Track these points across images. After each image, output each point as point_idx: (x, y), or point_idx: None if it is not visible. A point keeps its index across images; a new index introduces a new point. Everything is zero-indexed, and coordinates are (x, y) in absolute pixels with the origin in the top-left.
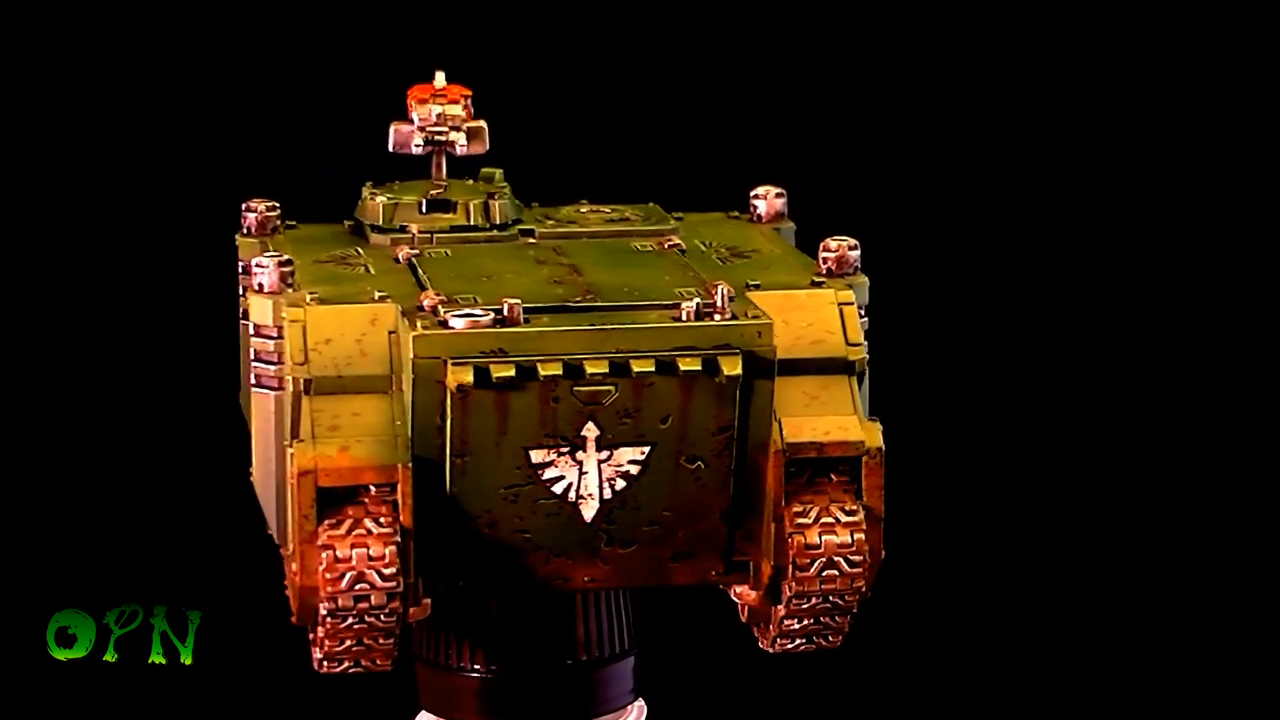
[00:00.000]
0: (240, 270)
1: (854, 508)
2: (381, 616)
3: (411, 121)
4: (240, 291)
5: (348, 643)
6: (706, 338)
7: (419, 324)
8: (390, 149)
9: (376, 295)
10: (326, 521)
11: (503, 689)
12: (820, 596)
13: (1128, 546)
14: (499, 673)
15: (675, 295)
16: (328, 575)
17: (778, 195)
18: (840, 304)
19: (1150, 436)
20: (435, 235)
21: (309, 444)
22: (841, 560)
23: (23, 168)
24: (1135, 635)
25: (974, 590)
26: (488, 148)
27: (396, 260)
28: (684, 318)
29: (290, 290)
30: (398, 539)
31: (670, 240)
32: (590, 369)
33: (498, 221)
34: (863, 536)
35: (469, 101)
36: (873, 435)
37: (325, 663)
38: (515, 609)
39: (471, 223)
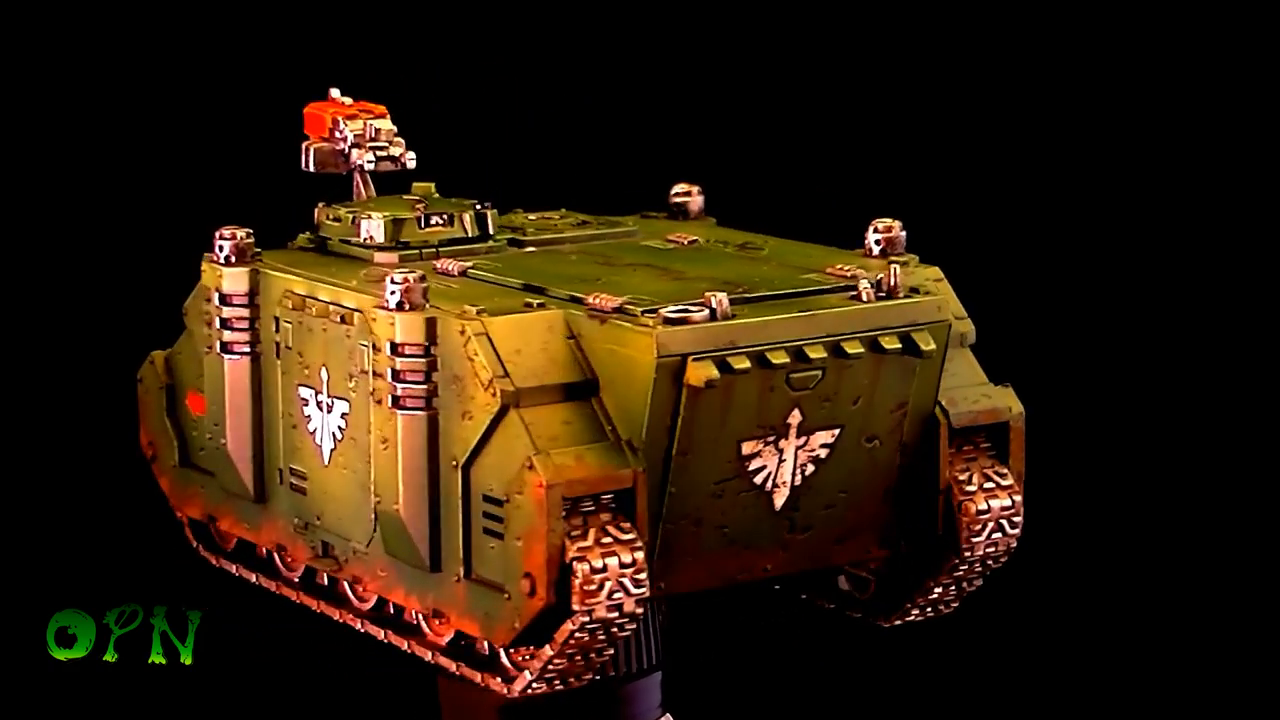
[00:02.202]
0: (218, 300)
1: (1004, 471)
2: (625, 626)
3: (336, 138)
4: (216, 322)
5: (576, 659)
6: (902, 316)
7: (653, 323)
8: (312, 169)
9: (535, 303)
10: (570, 535)
11: (526, 704)
12: (981, 560)
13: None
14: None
15: (805, 281)
16: (586, 588)
17: (699, 193)
18: (934, 280)
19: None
20: (439, 249)
21: (546, 456)
22: (1004, 523)
23: None
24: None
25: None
26: None
27: (449, 273)
28: (865, 299)
29: (429, 305)
30: (640, 544)
31: (689, 237)
32: (812, 354)
33: (491, 232)
34: (1020, 499)
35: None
36: (1015, 401)
37: (534, 685)
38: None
39: (469, 234)
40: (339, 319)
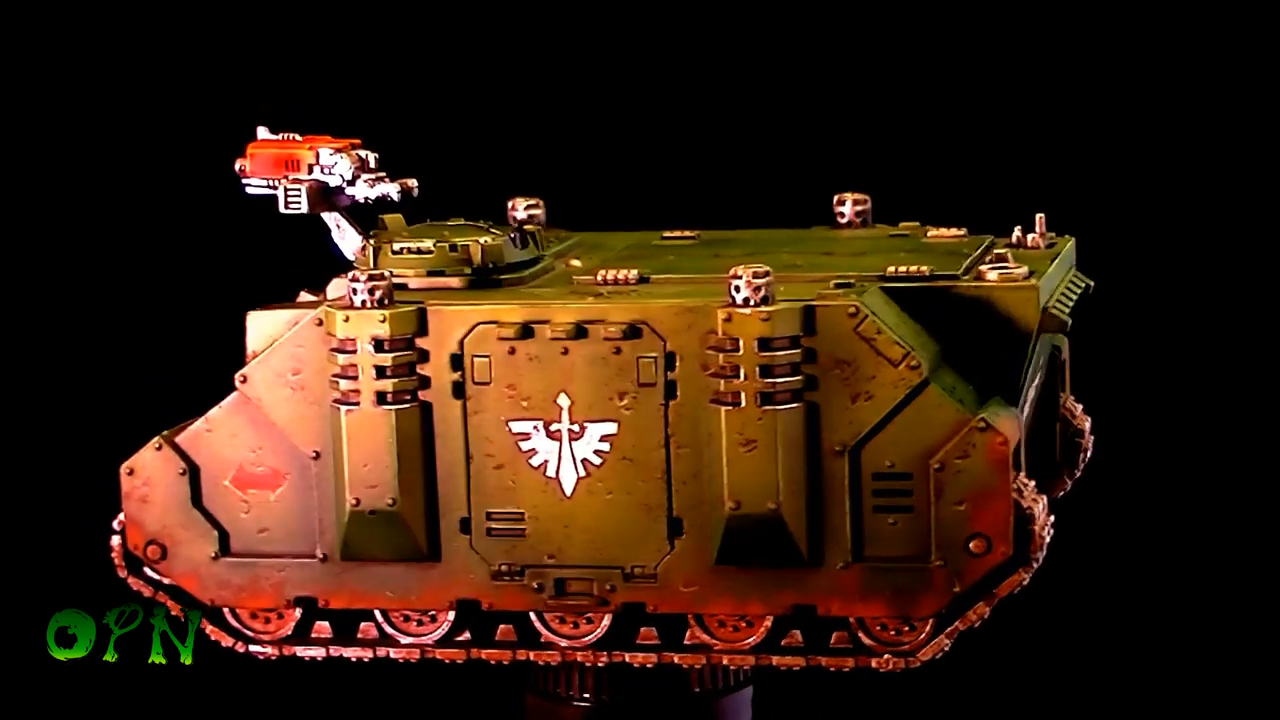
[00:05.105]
0: (372, 348)
1: (1070, 396)
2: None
3: (324, 174)
4: (369, 373)
5: (979, 615)
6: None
7: (1019, 279)
8: (305, 209)
9: (835, 285)
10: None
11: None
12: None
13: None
14: (610, 703)
15: (935, 244)
16: (1042, 536)
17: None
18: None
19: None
20: (528, 269)
21: (994, 416)
22: (1091, 444)
23: None
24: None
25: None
26: None
27: (626, 282)
28: (1033, 246)
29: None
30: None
31: (689, 233)
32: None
33: (547, 251)
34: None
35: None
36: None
37: (931, 653)
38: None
39: (541, 254)
40: (619, 333)
